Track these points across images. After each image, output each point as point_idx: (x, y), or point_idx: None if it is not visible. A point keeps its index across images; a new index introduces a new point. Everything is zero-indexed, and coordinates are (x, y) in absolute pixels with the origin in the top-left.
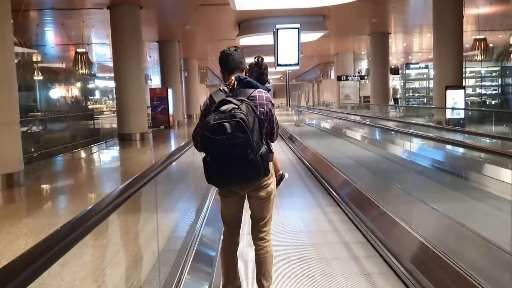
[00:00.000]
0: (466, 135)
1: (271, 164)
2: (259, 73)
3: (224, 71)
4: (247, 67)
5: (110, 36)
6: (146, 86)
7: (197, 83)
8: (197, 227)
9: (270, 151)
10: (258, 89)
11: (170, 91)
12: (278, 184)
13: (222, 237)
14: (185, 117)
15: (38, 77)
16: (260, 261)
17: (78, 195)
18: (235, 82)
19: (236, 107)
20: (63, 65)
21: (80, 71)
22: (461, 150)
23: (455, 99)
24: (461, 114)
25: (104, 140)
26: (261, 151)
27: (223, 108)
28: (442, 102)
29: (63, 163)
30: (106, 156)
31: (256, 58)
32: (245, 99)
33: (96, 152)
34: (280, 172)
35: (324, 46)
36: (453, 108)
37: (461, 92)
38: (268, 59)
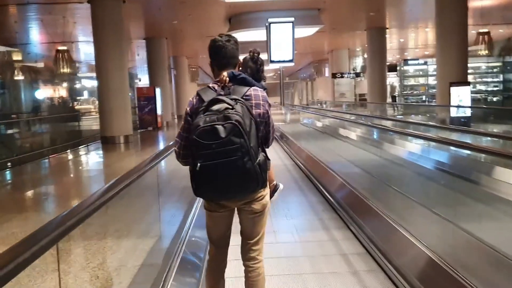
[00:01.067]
0: (482, 137)
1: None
2: (254, 69)
3: (214, 65)
4: (241, 61)
5: (92, 32)
6: (134, 86)
7: (187, 82)
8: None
9: (267, 158)
10: (254, 87)
11: (158, 90)
12: (271, 196)
13: (207, 256)
14: (175, 117)
15: (18, 76)
16: (251, 284)
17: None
18: (227, 79)
19: (230, 107)
20: (41, 64)
21: (62, 70)
22: (477, 154)
23: (460, 96)
24: (467, 112)
25: (86, 143)
26: (259, 158)
27: (215, 108)
28: (446, 100)
29: (21, 174)
30: (80, 163)
31: (251, 53)
32: (240, 98)
33: (71, 158)
34: (274, 182)
35: (318, 43)
36: (458, 106)
37: (466, 88)
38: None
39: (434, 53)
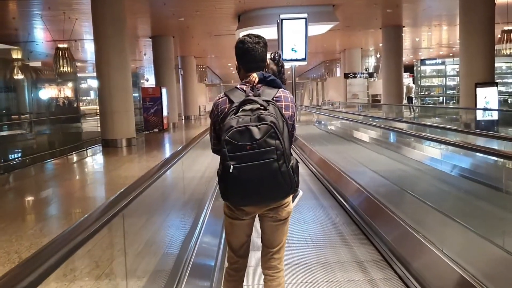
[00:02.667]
0: None
1: None
2: (276, 71)
3: (241, 67)
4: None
5: (92, 28)
6: (140, 86)
7: (195, 82)
8: None
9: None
10: (282, 89)
11: (164, 90)
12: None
13: (226, 264)
14: (183, 118)
15: (17, 76)
16: None
17: None
18: (257, 79)
19: (262, 108)
20: (44, 63)
21: (62, 69)
22: None
23: (487, 97)
24: (495, 116)
25: (86, 147)
26: (292, 162)
27: (247, 109)
28: (471, 101)
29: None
30: (70, 171)
31: (273, 54)
32: (271, 100)
33: (63, 165)
34: None
35: (330, 42)
36: (484, 109)
37: (493, 89)
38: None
39: (449, 53)
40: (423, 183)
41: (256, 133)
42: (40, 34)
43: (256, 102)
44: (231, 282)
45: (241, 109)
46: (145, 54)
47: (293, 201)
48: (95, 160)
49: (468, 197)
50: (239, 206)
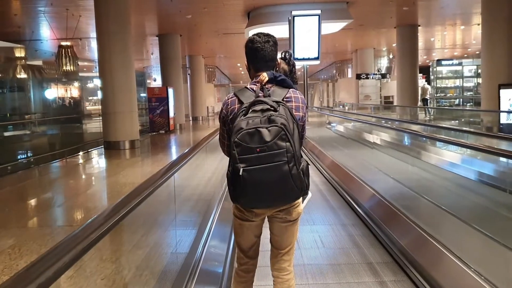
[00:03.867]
0: None
1: None
2: (287, 71)
3: (250, 66)
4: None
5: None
6: (146, 86)
7: (203, 83)
8: None
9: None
10: (293, 90)
11: (170, 90)
12: None
13: (236, 265)
14: (190, 119)
15: (20, 75)
16: None
17: None
18: (266, 79)
19: (272, 109)
20: (45, 63)
21: (64, 68)
22: None
23: None
24: None
25: (87, 149)
26: (302, 164)
27: (257, 110)
28: (493, 104)
29: None
30: (67, 177)
31: (283, 53)
32: (281, 101)
33: (61, 169)
34: None
35: (341, 42)
36: (509, 112)
37: None
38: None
39: (464, 54)
40: (466, 200)
41: (267, 135)
42: (46, 32)
43: (266, 103)
44: (240, 283)
45: (251, 110)
46: (152, 53)
47: (302, 202)
48: (94, 164)
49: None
50: (248, 207)
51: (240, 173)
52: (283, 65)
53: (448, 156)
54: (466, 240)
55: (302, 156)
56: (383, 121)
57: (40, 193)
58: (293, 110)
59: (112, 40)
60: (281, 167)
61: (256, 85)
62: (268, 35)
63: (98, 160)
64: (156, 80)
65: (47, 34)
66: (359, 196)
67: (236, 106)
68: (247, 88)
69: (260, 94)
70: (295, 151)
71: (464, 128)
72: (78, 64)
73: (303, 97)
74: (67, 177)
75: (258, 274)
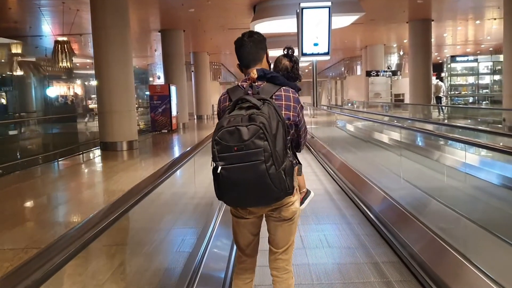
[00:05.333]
0: None
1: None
2: (289, 67)
3: (239, 62)
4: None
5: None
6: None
7: (208, 80)
8: None
9: (297, 162)
10: (284, 87)
11: (173, 88)
12: (301, 203)
13: (234, 262)
14: (195, 118)
15: (16, 72)
16: None
17: None
18: (255, 76)
19: (256, 108)
20: (33, 59)
21: (61, 64)
22: None
23: None
24: None
25: (82, 150)
26: (284, 163)
27: (241, 108)
28: None
29: None
30: (53, 183)
31: (286, 50)
32: (267, 98)
33: (48, 174)
34: (305, 189)
35: (350, 38)
36: None
37: None
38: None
39: (477, 51)
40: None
41: (245, 133)
42: (45, 28)
43: (249, 101)
44: (240, 281)
45: (236, 108)
46: (155, 50)
47: (303, 203)
48: (86, 168)
49: None
50: (232, 206)
51: (218, 171)
52: (285, 61)
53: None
54: None
55: (289, 156)
56: (406, 122)
57: (6, 207)
58: (282, 108)
59: (109, 34)
60: (258, 166)
61: (247, 82)
62: (252, 31)
63: (92, 163)
64: (160, 78)
65: (46, 30)
66: (383, 213)
67: (227, 103)
68: (239, 85)
69: (249, 92)
70: (273, 151)
71: None
72: (73, 60)
73: (296, 96)
74: (50, 184)
75: (258, 273)
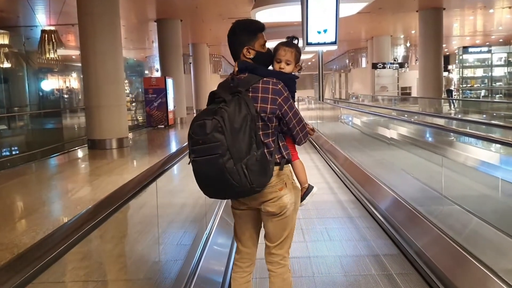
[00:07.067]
0: None
1: (287, 173)
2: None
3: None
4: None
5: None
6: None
7: (208, 73)
8: None
9: (283, 157)
10: (265, 79)
11: (169, 81)
12: (302, 198)
13: (234, 255)
14: (194, 112)
15: (3, 64)
16: None
17: None
18: (236, 68)
19: (224, 101)
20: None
21: (48, 55)
22: None
23: None
24: None
25: (68, 149)
26: (247, 158)
27: (216, 100)
28: None
29: None
30: (22, 189)
31: (288, 38)
32: (241, 91)
33: (22, 176)
34: (307, 184)
35: (356, 28)
36: None
37: None
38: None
39: (485, 42)
40: None
41: (208, 127)
42: (33, 18)
43: (219, 95)
44: (237, 273)
45: (211, 103)
46: (153, 42)
47: (304, 199)
48: (66, 169)
49: None
50: (210, 197)
51: (187, 163)
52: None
53: None
54: None
55: (260, 149)
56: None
57: None
58: (258, 100)
59: (96, 22)
60: (217, 160)
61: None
62: (238, 22)
63: (75, 164)
64: (158, 71)
65: (39, 20)
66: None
67: None
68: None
69: (231, 85)
70: (230, 145)
71: None
72: (57, 51)
73: (277, 87)
74: (20, 190)
75: (256, 266)
